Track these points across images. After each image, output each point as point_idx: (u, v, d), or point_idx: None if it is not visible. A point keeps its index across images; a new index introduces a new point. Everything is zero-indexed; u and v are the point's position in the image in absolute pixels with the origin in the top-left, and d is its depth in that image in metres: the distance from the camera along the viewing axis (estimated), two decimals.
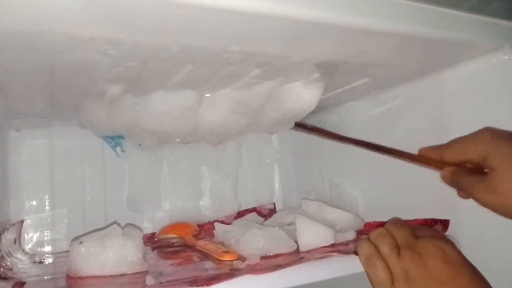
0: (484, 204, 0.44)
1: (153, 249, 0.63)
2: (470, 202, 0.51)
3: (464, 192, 0.48)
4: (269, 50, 0.41)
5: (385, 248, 0.44)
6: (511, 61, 0.47)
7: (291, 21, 0.35)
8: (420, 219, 0.56)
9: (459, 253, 0.44)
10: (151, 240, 0.70)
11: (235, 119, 0.59)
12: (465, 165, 0.47)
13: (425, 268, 0.42)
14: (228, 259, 0.49)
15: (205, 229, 0.75)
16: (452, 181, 0.48)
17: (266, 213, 0.83)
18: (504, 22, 0.47)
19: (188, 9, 0.30)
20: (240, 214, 0.80)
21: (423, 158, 0.51)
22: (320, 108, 0.68)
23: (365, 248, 0.46)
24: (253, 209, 0.82)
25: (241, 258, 0.49)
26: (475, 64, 0.50)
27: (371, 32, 0.39)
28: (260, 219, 0.76)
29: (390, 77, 0.55)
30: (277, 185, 0.88)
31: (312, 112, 0.61)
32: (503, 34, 0.47)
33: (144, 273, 0.48)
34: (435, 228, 0.55)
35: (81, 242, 0.48)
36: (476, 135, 0.45)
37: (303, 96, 0.55)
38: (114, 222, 0.66)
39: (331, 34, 0.39)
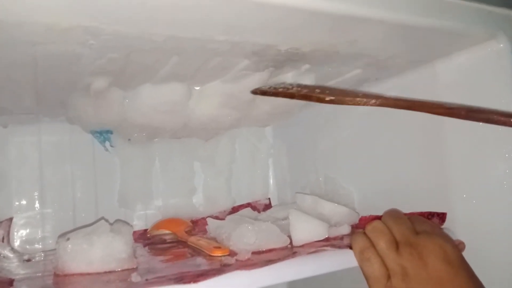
0: None
1: (145, 246, 0.63)
2: (465, 194, 0.51)
3: None
4: (256, 40, 0.40)
5: (383, 243, 0.43)
6: (505, 50, 0.46)
7: (278, 8, 0.34)
8: (417, 212, 0.56)
9: (459, 253, 0.43)
10: (143, 237, 0.70)
11: (226, 113, 0.58)
12: None
13: (424, 267, 0.41)
14: (219, 254, 0.49)
15: (199, 225, 0.74)
16: None
17: (262, 209, 0.82)
18: (497, 10, 0.46)
19: None
20: (235, 210, 0.79)
21: None
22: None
23: (359, 241, 0.45)
24: (248, 205, 0.81)
25: (233, 254, 0.48)
26: (469, 53, 0.49)
27: (361, 20, 0.38)
28: (255, 214, 0.75)
29: (382, 68, 0.54)
30: (271, 180, 0.87)
31: (305, 105, 0.60)
32: (497, 22, 0.45)
33: (133, 270, 0.47)
34: (432, 221, 0.54)
35: (68, 239, 0.47)
36: None
37: None
38: (102, 218, 0.65)
39: (320, 22, 0.38)
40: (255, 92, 0.52)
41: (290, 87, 0.50)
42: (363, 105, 0.45)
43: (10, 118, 0.63)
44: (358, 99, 0.45)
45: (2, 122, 0.64)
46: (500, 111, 0.42)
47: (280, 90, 0.49)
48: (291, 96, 0.48)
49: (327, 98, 0.46)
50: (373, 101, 0.45)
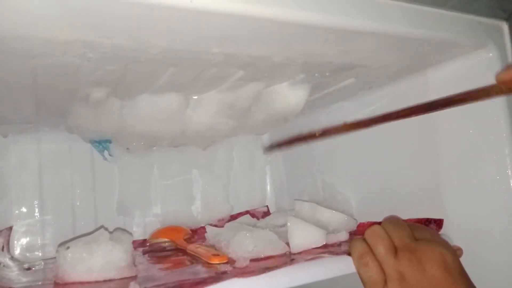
0: None
1: (144, 254, 0.63)
2: (459, 199, 0.51)
3: None
4: (251, 51, 0.41)
5: (382, 249, 0.43)
6: (495, 59, 0.47)
7: (271, 22, 0.35)
8: (414, 219, 0.56)
9: (459, 262, 0.43)
10: (143, 245, 0.70)
11: (222, 122, 0.59)
12: None
13: (422, 273, 0.41)
14: (217, 262, 0.49)
15: (198, 233, 0.75)
16: None
17: (260, 216, 0.82)
18: (487, 20, 0.46)
19: (163, 10, 0.30)
20: (233, 218, 0.79)
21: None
22: (309, 109, 0.68)
23: (358, 246, 0.45)
24: (247, 212, 0.82)
25: (231, 261, 0.48)
26: (460, 62, 0.50)
27: (354, 32, 0.39)
28: (253, 221, 0.76)
29: (376, 77, 0.54)
30: (269, 187, 0.87)
31: (301, 113, 0.61)
32: (487, 32, 0.46)
33: (133, 278, 0.47)
34: (430, 227, 0.54)
35: (68, 247, 0.48)
36: None
37: (289, 97, 0.55)
38: (101, 226, 0.66)
39: (314, 35, 0.39)
40: (270, 149, 0.67)
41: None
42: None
43: (10, 128, 0.64)
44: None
45: (2, 132, 0.64)
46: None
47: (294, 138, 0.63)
48: (304, 139, 0.63)
49: (317, 134, 0.60)
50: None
